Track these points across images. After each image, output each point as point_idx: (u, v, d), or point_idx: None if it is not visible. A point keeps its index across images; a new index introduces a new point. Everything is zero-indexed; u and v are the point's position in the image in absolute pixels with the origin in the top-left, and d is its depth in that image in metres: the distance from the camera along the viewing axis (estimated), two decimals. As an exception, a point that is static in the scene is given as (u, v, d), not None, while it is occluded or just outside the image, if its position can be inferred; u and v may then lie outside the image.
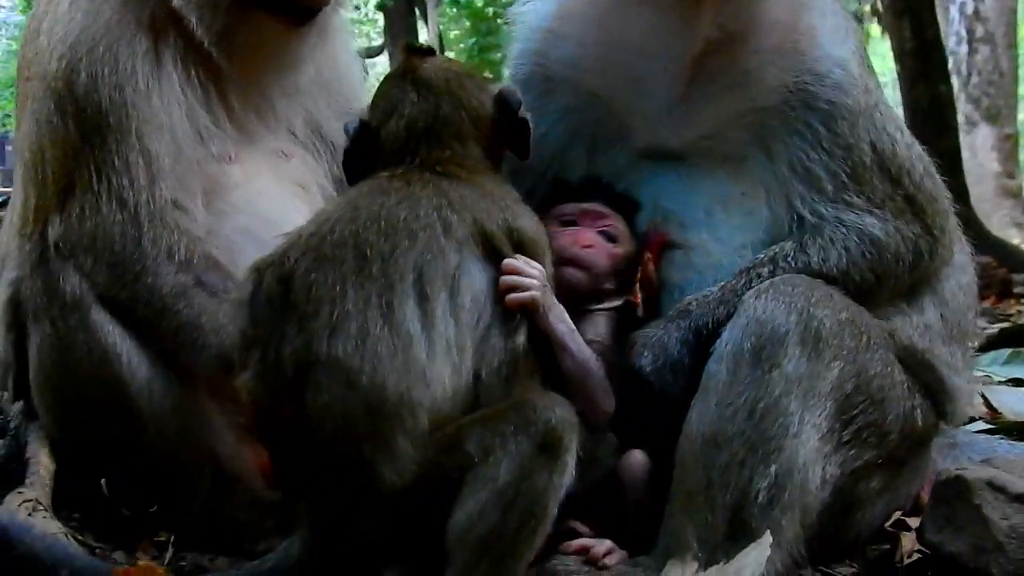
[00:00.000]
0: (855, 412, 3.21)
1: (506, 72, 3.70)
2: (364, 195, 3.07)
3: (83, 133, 3.62)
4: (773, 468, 3.04)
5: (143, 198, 3.61)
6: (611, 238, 3.39)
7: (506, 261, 3.00)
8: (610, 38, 3.58)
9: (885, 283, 3.41)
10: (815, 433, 3.12)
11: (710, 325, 3.25)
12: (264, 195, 3.80)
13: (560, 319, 3.11)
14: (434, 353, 2.79)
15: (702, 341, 3.23)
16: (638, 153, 3.56)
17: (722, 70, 3.48)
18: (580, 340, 3.16)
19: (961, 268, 3.67)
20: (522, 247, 3.02)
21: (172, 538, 3.58)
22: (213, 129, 3.79)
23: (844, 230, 3.37)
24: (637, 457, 3.23)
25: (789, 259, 3.34)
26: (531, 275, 3.01)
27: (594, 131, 3.63)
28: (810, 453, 3.10)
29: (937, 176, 3.59)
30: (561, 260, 3.28)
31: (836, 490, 3.22)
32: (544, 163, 3.61)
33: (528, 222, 3.10)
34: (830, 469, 3.19)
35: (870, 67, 3.61)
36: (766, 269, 3.33)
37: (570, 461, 2.76)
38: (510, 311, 2.95)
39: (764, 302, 3.13)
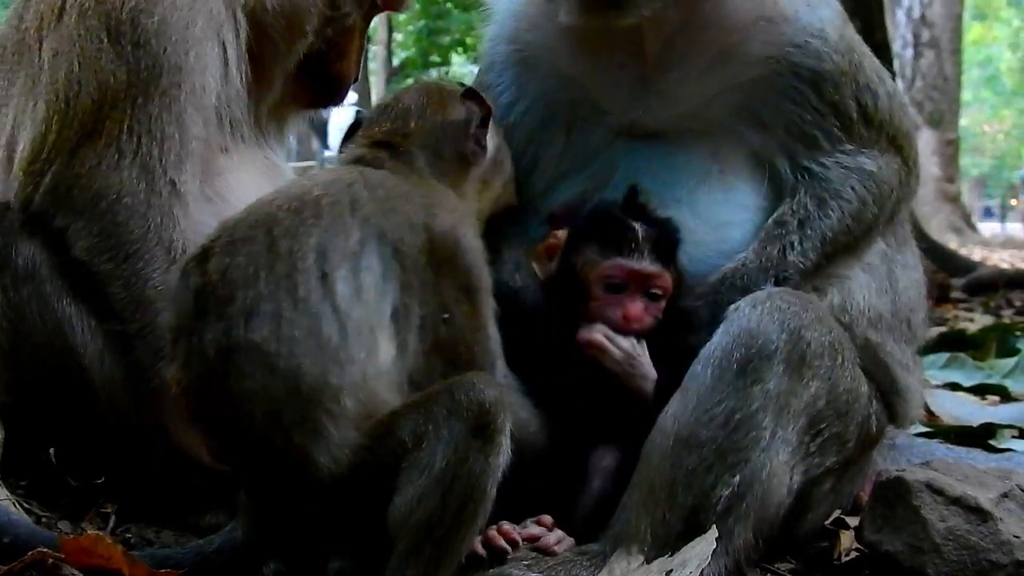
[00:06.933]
0: (823, 425, 3.27)
1: (481, 54, 3.72)
2: (292, 182, 3.09)
3: (131, 81, 3.51)
4: (737, 478, 3.09)
5: (166, 178, 3.53)
6: (657, 297, 3.32)
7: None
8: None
9: (883, 212, 3.57)
10: (785, 447, 3.17)
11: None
12: (245, 186, 3.73)
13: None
14: (346, 334, 2.77)
15: None
16: (615, 132, 3.58)
17: (697, 51, 3.50)
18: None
19: (914, 266, 3.75)
20: (432, 244, 2.97)
21: (115, 508, 3.57)
22: (225, 122, 3.74)
23: (844, 171, 3.49)
24: (610, 449, 3.27)
25: (815, 221, 3.44)
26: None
27: (571, 111, 3.65)
28: (776, 467, 3.15)
29: (910, 115, 3.79)
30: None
31: (795, 495, 3.27)
32: (523, 141, 3.65)
33: (446, 224, 3.03)
34: (795, 478, 3.24)
35: (845, 19, 3.65)
36: (796, 236, 3.41)
37: (504, 441, 2.75)
38: (433, 294, 2.94)
39: (759, 314, 3.16)
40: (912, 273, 3.73)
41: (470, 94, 3.29)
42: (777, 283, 3.34)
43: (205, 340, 2.76)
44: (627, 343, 3.24)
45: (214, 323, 2.75)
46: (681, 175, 3.48)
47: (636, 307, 3.26)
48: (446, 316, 2.94)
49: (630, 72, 3.54)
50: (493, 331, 3.08)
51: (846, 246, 3.49)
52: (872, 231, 3.55)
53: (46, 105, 3.57)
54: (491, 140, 3.32)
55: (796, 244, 3.40)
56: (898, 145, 3.61)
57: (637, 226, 3.28)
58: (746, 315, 3.17)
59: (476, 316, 3.02)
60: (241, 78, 3.74)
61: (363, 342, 2.79)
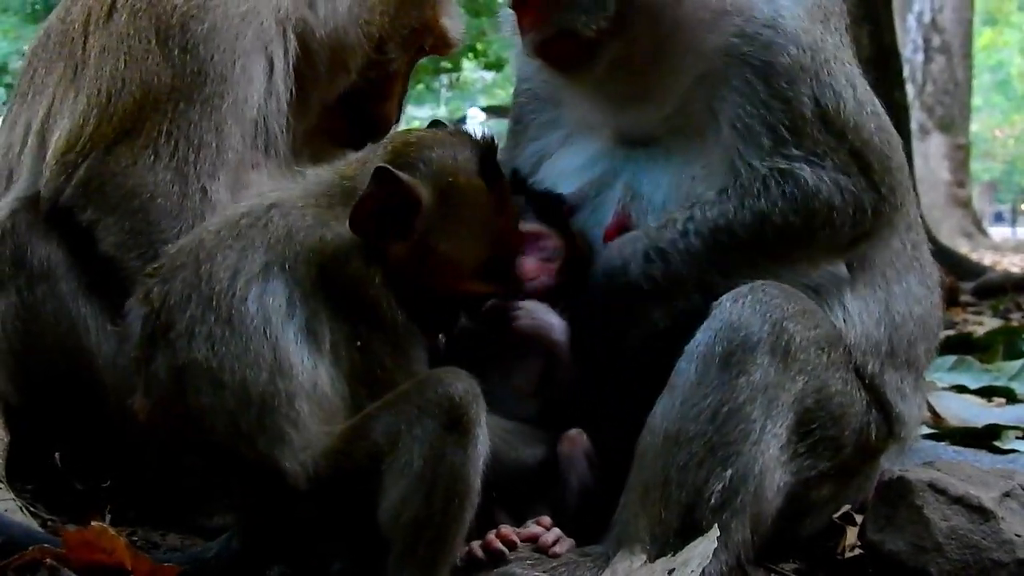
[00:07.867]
0: (813, 426, 3.25)
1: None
2: (237, 203, 3.13)
3: (175, 84, 3.55)
4: (729, 472, 3.08)
5: (199, 185, 3.56)
6: (549, 258, 3.39)
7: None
8: None
9: (816, 230, 3.30)
10: (775, 442, 3.16)
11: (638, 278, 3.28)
12: None
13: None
14: (276, 348, 2.79)
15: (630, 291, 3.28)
16: (614, 140, 3.59)
17: (668, 53, 3.47)
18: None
19: (920, 298, 3.61)
20: (325, 281, 2.89)
21: (109, 507, 3.58)
22: (260, 137, 3.76)
23: (768, 172, 3.29)
24: (574, 439, 3.26)
25: (707, 206, 3.30)
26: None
27: (571, 125, 3.70)
28: (768, 461, 3.14)
29: (895, 135, 3.51)
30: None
31: (788, 496, 3.25)
32: (527, 141, 3.76)
33: (340, 267, 2.91)
34: (784, 477, 3.22)
35: (825, 19, 3.51)
36: (681, 216, 3.30)
37: (481, 432, 2.75)
38: (339, 324, 2.90)
39: (740, 308, 3.15)
40: (915, 307, 3.58)
41: (380, 175, 2.93)
42: (648, 258, 3.28)
43: (158, 365, 2.82)
44: (525, 304, 3.30)
45: (163, 348, 2.82)
46: (667, 181, 3.46)
47: (524, 263, 3.34)
48: (359, 344, 2.91)
49: (615, 87, 3.54)
50: (418, 356, 3.00)
51: (760, 251, 3.30)
52: (807, 247, 3.34)
53: (87, 98, 3.62)
54: (437, 238, 3.02)
55: (678, 223, 3.30)
56: (865, 163, 3.35)
57: (519, 198, 3.38)
58: (728, 309, 3.16)
59: (390, 345, 2.96)
60: (285, 96, 3.75)
61: (294, 356, 2.82)
